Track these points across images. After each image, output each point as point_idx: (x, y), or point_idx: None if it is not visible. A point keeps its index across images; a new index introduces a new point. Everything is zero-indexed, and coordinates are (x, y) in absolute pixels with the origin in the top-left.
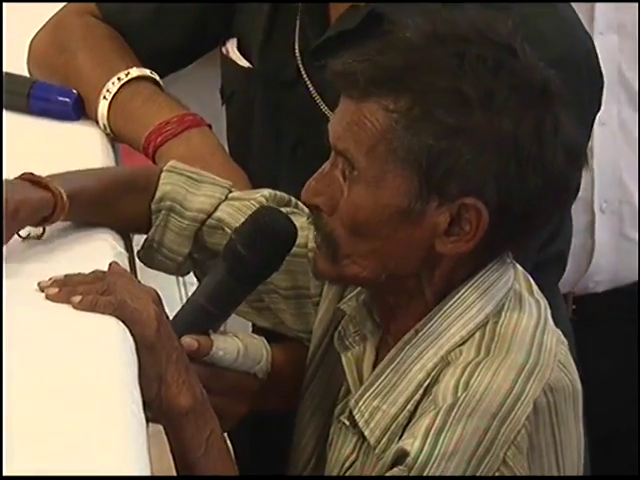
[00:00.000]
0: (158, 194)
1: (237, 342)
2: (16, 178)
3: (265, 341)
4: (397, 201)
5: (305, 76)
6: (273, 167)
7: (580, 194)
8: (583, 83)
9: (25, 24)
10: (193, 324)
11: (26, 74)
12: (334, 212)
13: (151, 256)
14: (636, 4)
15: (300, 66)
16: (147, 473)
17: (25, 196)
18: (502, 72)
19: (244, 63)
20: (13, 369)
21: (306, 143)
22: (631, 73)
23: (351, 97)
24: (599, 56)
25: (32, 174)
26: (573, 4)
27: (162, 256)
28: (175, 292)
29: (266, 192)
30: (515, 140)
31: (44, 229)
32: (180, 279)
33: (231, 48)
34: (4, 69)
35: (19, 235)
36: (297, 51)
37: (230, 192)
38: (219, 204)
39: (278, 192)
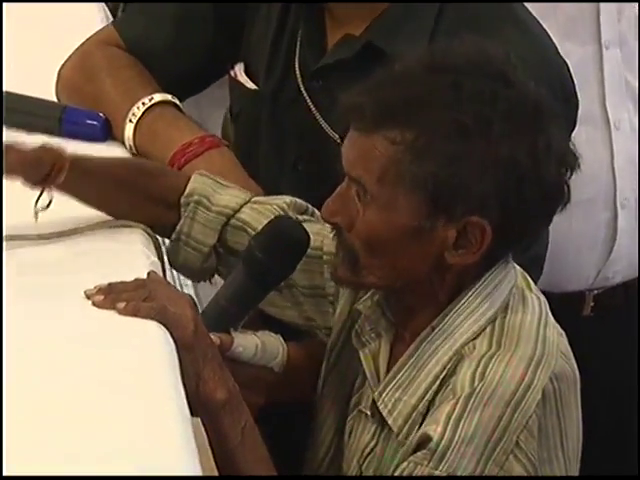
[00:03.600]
0: (187, 190)
1: (255, 339)
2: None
3: (281, 338)
4: (408, 221)
5: (305, 94)
6: (276, 181)
7: (602, 193)
8: (558, 104)
9: (54, 54)
10: (215, 322)
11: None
12: (352, 228)
13: (178, 249)
14: (635, 10)
15: (300, 85)
16: (196, 464)
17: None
18: (498, 102)
19: (251, 85)
20: (65, 370)
21: (306, 158)
22: (636, 83)
23: (359, 130)
24: (607, 70)
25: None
26: (581, 18)
27: (189, 247)
28: None
29: (287, 199)
30: (513, 162)
31: (50, 201)
32: (177, 285)
33: (239, 72)
34: (37, 95)
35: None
36: (297, 71)
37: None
38: (244, 204)
39: (297, 200)
